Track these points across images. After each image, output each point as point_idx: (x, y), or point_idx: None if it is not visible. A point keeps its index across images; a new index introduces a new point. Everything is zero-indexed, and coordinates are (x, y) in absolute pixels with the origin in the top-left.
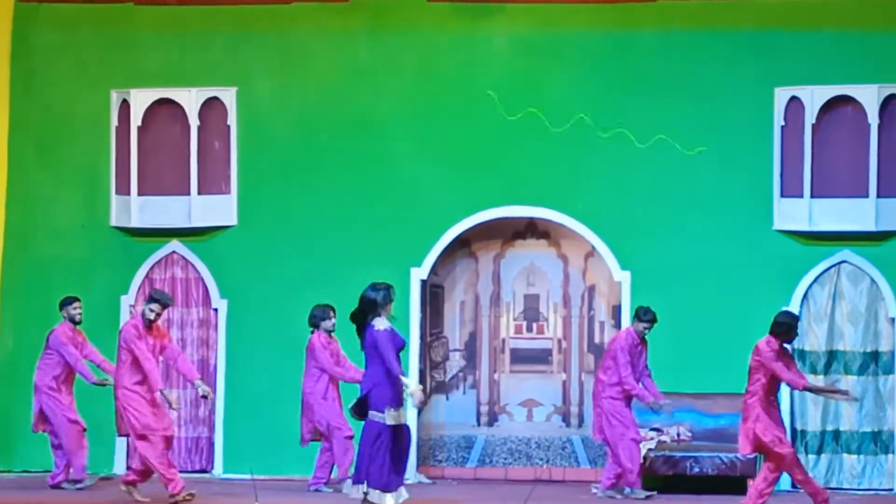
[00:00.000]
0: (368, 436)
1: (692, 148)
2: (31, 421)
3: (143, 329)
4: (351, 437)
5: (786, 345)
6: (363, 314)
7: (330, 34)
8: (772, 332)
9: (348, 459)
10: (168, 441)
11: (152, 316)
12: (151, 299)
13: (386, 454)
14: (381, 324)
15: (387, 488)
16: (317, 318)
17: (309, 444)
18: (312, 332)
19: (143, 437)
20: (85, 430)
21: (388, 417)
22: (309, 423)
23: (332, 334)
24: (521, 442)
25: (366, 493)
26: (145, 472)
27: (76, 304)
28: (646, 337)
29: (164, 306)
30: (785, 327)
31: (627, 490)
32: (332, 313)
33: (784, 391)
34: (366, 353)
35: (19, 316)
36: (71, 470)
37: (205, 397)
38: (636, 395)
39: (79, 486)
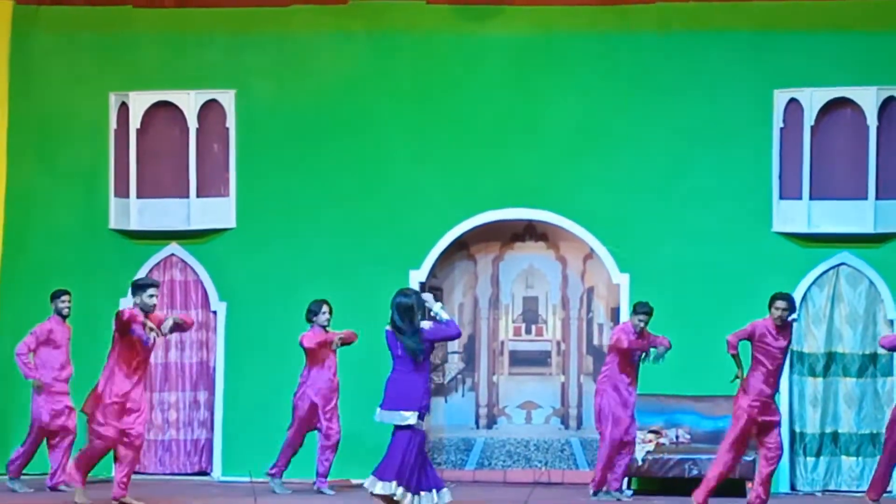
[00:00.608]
0: (414, 442)
1: (690, 150)
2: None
3: (142, 318)
4: (338, 441)
5: (791, 321)
6: (408, 321)
7: (328, 36)
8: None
9: (327, 462)
10: (115, 444)
11: (155, 300)
12: (146, 286)
13: (426, 459)
14: (425, 324)
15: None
16: (311, 312)
17: (297, 446)
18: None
19: (93, 422)
20: (55, 434)
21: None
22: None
23: (327, 329)
24: (519, 444)
25: (394, 494)
26: (129, 475)
27: (64, 298)
28: (646, 331)
29: (158, 287)
30: (770, 304)
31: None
32: (325, 307)
33: (783, 391)
34: (405, 360)
35: (18, 318)
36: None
37: (177, 325)
38: (636, 348)
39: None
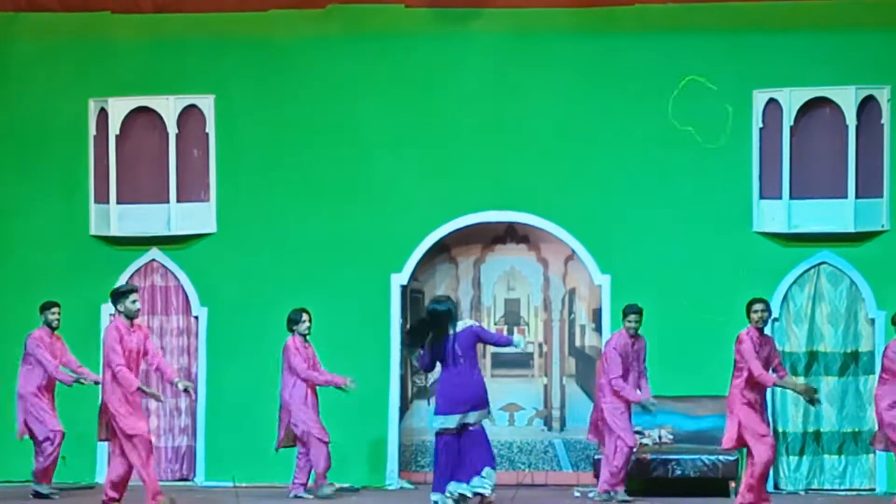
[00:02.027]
0: (486, 436)
1: (671, 151)
2: (16, 429)
3: (125, 329)
4: (327, 443)
5: (766, 332)
6: (443, 327)
7: (307, 41)
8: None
9: (325, 465)
10: (149, 445)
11: (139, 305)
12: (127, 292)
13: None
14: (463, 323)
15: None
16: (292, 321)
17: (280, 450)
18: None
19: (129, 438)
20: (62, 438)
21: None
22: (285, 428)
23: (307, 339)
24: (503, 446)
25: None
26: (123, 484)
27: (54, 310)
28: (640, 334)
29: (138, 291)
30: (748, 310)
31: (612, 493)
32: (305, 316)
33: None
34: (458, 358)
35: (0, 326)
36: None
37: (186, 391)
38: (625, 395)
39: (43, 493)
